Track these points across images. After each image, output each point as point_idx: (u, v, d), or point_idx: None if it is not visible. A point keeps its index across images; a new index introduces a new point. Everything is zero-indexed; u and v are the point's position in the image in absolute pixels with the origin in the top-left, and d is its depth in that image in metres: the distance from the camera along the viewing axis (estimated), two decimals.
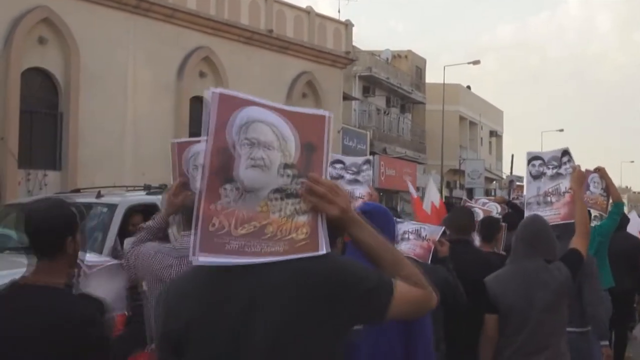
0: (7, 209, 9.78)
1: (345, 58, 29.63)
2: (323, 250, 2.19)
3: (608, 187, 6.51)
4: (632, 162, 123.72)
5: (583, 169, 5.67)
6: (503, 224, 6.32)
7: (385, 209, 3.74)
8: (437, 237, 4.99)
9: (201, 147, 2.30)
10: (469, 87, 56.51)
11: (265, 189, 2.20)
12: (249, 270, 2.14)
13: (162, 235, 4.40)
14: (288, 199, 2.23)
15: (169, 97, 22.66)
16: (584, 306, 5.35)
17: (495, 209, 8.48)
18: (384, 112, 43.06)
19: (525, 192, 6.39)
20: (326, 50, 28.47)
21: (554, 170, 5.83)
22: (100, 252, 7.02)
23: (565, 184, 5.70)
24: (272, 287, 2.14)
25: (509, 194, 47.12)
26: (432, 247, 4.94)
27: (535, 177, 5.95)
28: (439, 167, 43.49)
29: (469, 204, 9.08)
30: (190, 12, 23.16)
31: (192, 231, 2.14)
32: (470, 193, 44.01)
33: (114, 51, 21.05)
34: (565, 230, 5.26)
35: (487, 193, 50.64)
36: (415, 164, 43.58)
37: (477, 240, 6.12)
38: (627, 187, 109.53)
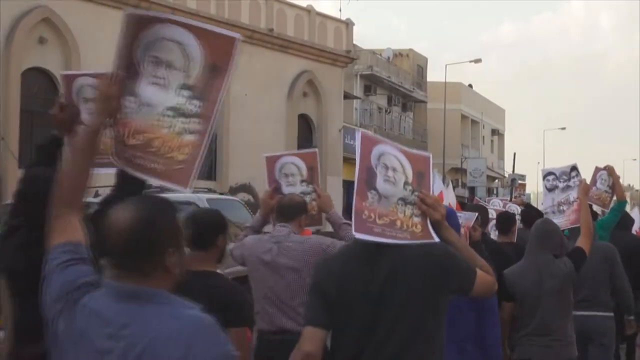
0: (4, 207, 9.78)
1: (346, 57, 29.62)
2: (436, 239, 3.10)
3: (614, 185, 7.15)
4: (635, 160, 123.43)
5: (587, 166, 6.55)
6: (518, 217, 7.43)
7: (452, 209, 4.61)
8: (471, 224, 5.59)
9: (289, 159, 3.79)
10: (470, 86, 56.48)
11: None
12: (388, 249, 3.04)
13: (261, 230, 5.24)
14: (409, 205, 3.13)
15: None
16: (613, 281, 6.33)
17: (516, 210, 9.69)
18: (385, 111, 43.05)
19: (544, 203, 7.38)
20: (327, 49, 28.47)
21: (564, 184, 6.89)
22: None
23: (573, 194, 6.68)
24: (406, 261, 3.06)
25: (510, 192, 47.18)
26: (467, 233, 5.49)
27: (550, 190, 7.03)
28: (441, 166, 43.48)
29: (481, 203, 10.13)
30: (190, 11, 23.13)
31: (353, 217, 3.01)
32: (472, 192, 44.02)
33: (114, 50, 21.01)
34: (572, 232, 6.30)
35: (489, 192, 50.64)
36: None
37: (492, 233, 7.20)
38: (629, 185, 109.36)
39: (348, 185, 28.95)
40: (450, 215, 3.77)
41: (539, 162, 67.68)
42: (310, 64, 27.83)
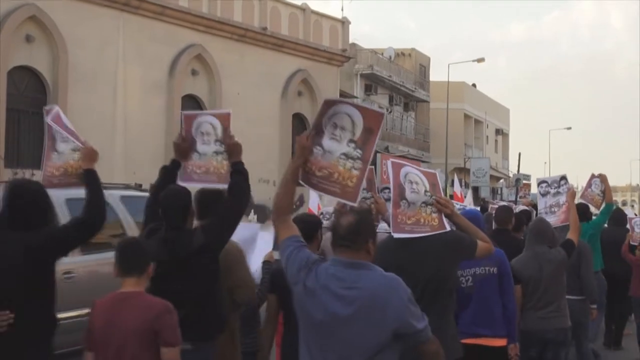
0: None
1: (342, 56, 29.40)
2: (448, 228, 4.73)
3: (605, 190, 9.11)
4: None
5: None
6: (530, 211, 8.71)
7: (475, 211, 6.90)
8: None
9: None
10: (474, 85, 56.16)
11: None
12: (414, 239, 4.68)
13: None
14: (429, 206, 4.70)
15: (160, 95, 22.49)
16: (581, 278, 7.74)
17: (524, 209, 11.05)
18: (387, 111, 42.80)
19: (538, 205, 8.82)
20: (322, 48, 28.24)
21: (555, 190, 8.27)
22: None
23: (562, 199, 8.07)
24: (432, 243, 4.69)
25: (516, 192, 46.88)
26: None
27: (543, 195, 8.44)
28: (444, 166, 43.21)
29: (492, 205, 12.18)
30: (181, 9, 22.99)
31: (390, 222, 4.75)
32: (475, 191, 43.71)
33: (103, 49, 20.89)
34: (563, 228, 7.63)
35: (493, 192, 50.31)
36: (418, 162, 43.27)
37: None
38: (638, 185, 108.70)
39: None
40: (476, 218, 5.79)
41: (545, 162, 67.35)
42: (305, 62, 27.62)
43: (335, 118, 3.95)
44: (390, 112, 43.16)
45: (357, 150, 3.94)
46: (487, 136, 57.39)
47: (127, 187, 10.20)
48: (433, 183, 4.77)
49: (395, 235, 4.63)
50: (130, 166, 21.42)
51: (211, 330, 4.71)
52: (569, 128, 64.66)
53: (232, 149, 5.02)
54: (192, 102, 23.96)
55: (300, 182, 3.96)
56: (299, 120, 28.01)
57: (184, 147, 5.16)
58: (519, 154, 55.17)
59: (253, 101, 25.24)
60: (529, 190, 50.76)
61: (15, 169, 18.78)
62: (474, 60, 44.17)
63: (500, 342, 5.78)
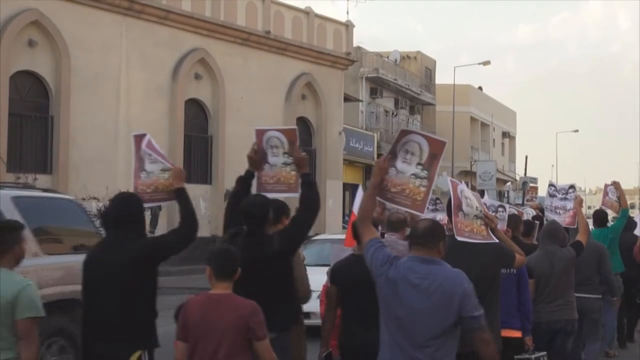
0: None
1: (346, 59, 29.32)
2: (494, 240, 5.62)
3: (620, 197, 10.29)
4: None
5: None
6: (536, 222, 9.13)
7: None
8: (504, 227, 7.67)
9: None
10: (480, 88, 56.05)
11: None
12: (468, 245, 5.48)
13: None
14: (479, 219, 5.58)
15: (163, 99, 22.48)
16: (601, 273, 8.73)
17: (531, 212, 12.18)
18: (392, 114, 42.72)
19: (545, 202, 9.83)
20: (326, 52, 28.18)
21: (563, 196, 9.14)
22: None
23: (569, 205, 9.02)
24: (480, 249, 5.58)
25: (523, 195, 46.75)
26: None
27: (551, 195, 9.31)
28: (450, 169, 43.10)
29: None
30: (184, 13, 22.97)
31: (454, 227, 5.44)
32: (482, 194, 43.51)
33: (106, 53, 20.89)
34: (575, 231, 8.47)
35: (500, 195, 50.15)
36: None
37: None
38: None
39: (352, 188, 28.69)
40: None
41: (552, 165, 67.10)
42: (308, 66, 27.55)
43: (407, 145, 4.92)
44: (396, 115, 43.09)
45: (423, 171, 4.87)
46: (494, 139, 57.26)
47: (24, 186, 9.24)
48: (480, 201, 5.95)
49: (459, 239, 5.45)
50: (132, 170, 21.38)
51: (288, 321, 5.52)
52: (576, 130, 64.13)
53: (299, 162, 5.72)
54: (195, 106, 23.94)
55: (377, 197, 4.97)
56: (302, 124, 27.93)
57: (256, 159, 5.81)
58: (526, 157, 54.82)
59: (256, 105, 25.19)
60: (536, 193, 50.77)
61: (17, 174, 18.78)
62: (479, 63, 44.08)
63: (516, 334, 6.65)
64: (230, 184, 24.61)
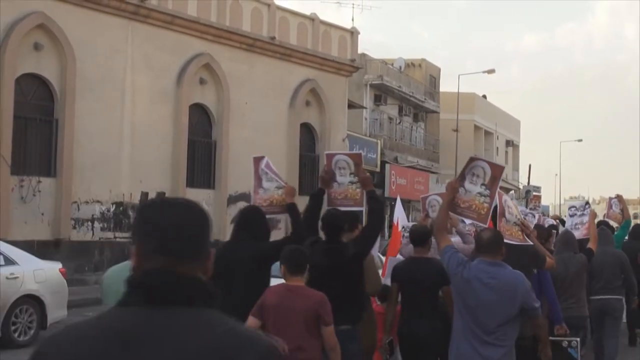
0: None
1: (350, 66, 29.36)
2: (530, 243, 6.77)
3: (623, 209, 11.53)
4: None
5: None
6: (553, 230, 10.26)
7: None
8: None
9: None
10: (484, 97, 56.05)
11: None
12: (509, 244, 6.29)
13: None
14: (517, 225, 6.71)
15: (167, 103, 22.52)
16: (624, 278, 9.83)
17: (551, 222, 13.27)
18: (396, 121, 42.74)
19: (566, 223, 11.00)
20: (330, 58, 28.22)
21: (580, 212, 10.47)
22: None
23: (585, 219, 10.27)
24: (518, 251, 6.55)
25: (526, 204, 46.66)
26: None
27: (571, 215, 10.70)
28: (453, 177, 43.05)
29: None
30: (190, 18, 23.02)
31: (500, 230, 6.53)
32: None
33: (111, 57, 20.95)
34: (583, 241, 9.64)
35: None
36: (427, 173, 43.18)
37: None
38: None
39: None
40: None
41: (556, 174, 67.11)
42: (313, 72, 27.60)
43: (474, 169, 6.13)
44: (400, 122, 43.09)
45: (486, 190, 6.11)
46: (497, 147, 57.22)
47: None
48: (519, 211, 7.27)
49: (505, 240, 6.19)
50: (136, 174, 21.46)
51: (359, 314, 6.39)
52: (580, 140, 64.14)
53: (364, 181, 6.79)
54: (199, 110, 23.99)
55: (450, 212, 6.23)
56: (306, 130, 27.99)
57: (327, 178, 6.85)
58: (529, 166, 54.80)
59: (261, 110, 25.25)
60: (539, 202, 50.50)
61: (21, 176, 18.84)
62: (484, 72, 44.07)
63: None
64: (233, 188, 24.84)
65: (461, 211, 6.18)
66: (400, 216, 11.16)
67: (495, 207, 6.50)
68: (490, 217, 6.22)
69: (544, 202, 53.77)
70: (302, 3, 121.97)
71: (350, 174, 6.80)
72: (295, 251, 5.55)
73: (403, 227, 9.76)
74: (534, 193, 50.62)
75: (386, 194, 34.64)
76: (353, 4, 37.76)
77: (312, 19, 27.87)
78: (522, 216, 8.44)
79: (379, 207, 6.64)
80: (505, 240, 6.06)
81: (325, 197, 6.90)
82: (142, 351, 1.85)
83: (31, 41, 19.16)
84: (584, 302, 8.73)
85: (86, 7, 20.29)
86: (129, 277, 1.98)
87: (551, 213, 37.52)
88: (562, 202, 72.83)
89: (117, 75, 21.11)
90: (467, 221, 7.12)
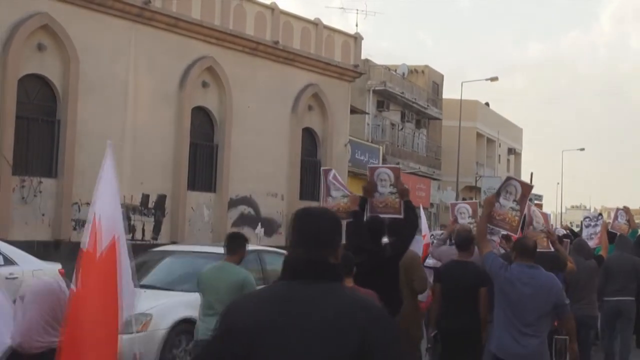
0: None
1: (354, 71, 29.34)
2: (552, 249, 8.27)
3: (629, 219, 12.33)
4: None
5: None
6: (565, 240, 10.78)
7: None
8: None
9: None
10: (487, 104, 56.05)
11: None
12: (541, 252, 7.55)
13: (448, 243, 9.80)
14: (542, 233, 8.32)
15: (170, 106, 22.51)
16: (637, 280, 10.51)
17: (562, 232, 14.13)
18: (398, 127, 42.74)
19: (582, 233, 12.05)
20: (333, 63, 28.21)
21: (594, 223, 11.75)
22: None
23: (598, 229, 11.46)
24: (544, 257, 7.34)
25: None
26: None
27: (586, 226, 11.93)
28: (455, 184, 43.07)
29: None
30: (194, 21, 23.03)
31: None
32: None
33: (114, 59, 20.95)
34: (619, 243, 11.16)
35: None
36: (429, 180, 43.18)
37: None
38: None
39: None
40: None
41: (558, 183, 67.09)
42: (316, 77, 27.59)
43: (507, 187, 7.36)
44: (402, 128, 43.11)
45: (517, 205, 7.31)
46: (499, 155, 57.22)
47: None
48: (546, 220, 8.74)
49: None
50: (137, 176, 21.44)
51: (397, 308, 7.07)
52: (582, 149, 64.17)
53: (402, 192, 7.75)
54: (202, 114, 23.99)
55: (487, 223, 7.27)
56: (308, 135, 27.96)
57: (370, 188, 7.80)
58: (531, 174, 54.53)
59: (263, 114, 25.24)
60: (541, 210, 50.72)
61: (22, 177, 18.83)
62: (487, 79, 44.14)
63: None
64: (234, 192, 24.81)
65: (496, 222, 7.37)
66: (423, 223, 12.46)
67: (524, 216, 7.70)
68: (519, 228, 7.50)
69: (545, 210, 53.73)
70: (306, 8, 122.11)
71: (390, 185, 7.71)
72: (344, 256, 6.07)
73: (432, 235, 11.49)
74: (536, 201, 50.78)
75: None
76: (357, 10, 37.93)
77: (316, 23, 27.87)
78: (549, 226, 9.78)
79: (414, 215, 7.72)
80: (540, 249, 7.33)
81: (368, 205, 7.83)
82: (296, 308, 2.75)
83: (35, 42, 19.17)
84: (594, 304, 9.73)
85: (90, 8, 20.29)
86: (285, 260, 2.93)
87: (551, 222, 38.00)
88: (564, 210, 72.86)
89: (120, 77, 21.12)
90: (502, 231, 8.37)
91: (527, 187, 7.47)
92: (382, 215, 7.68)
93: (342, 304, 2.76)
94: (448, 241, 9.82)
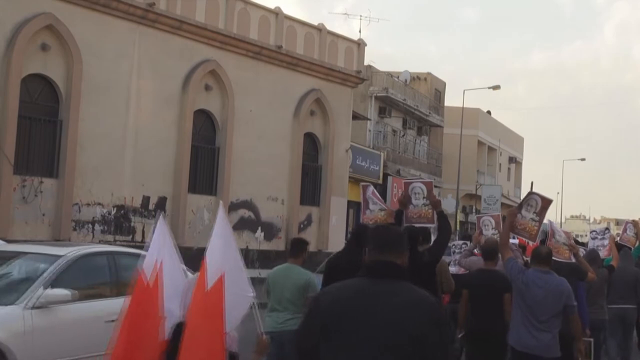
0: None
1: (356, 77, 29.36)
2: (574, 260, 9.11)
3: (637, 233, 12.97)
4: None
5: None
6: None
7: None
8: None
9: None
10: (489, 112, 56.07)
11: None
12: (557, 262, 8.57)
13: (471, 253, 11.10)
14: (565, 245, 9.09)
15: (172, 109, 22.52)
16: (638, 291, 11.58)
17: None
18: (400, 134, 42.75)
19: (589, 245, 12.71)
20: (336, 69, 28.23)
21: (601, 236, 12.54)
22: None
23: (606, 242, 12.26)
24: (565, 267, 8.74)
25: None
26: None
27: (593, 239, 12.71)
28: (455, 192, 43.06)
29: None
30: (198, 24, 23.05)
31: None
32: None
33: (118, 61, 20.97)
34: (623, 255, 11.96)
35: (504, 220, 49.98)
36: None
37: None
38: None
39: (356, 206, 28.64)
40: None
41: (558, 192, 67.17)
42: (318, 82, 27.61)
43: (529, 200, 8.35)
44: (403, 135, 43.12)
45: (536, 217, 8.27)
46: (500, 164, 57.22)
47: None
48: (569, 235, 9.56)
49: (554, 258, 8.19)
50: (138, 178, 21.46)
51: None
52: (583, 159, 64.29)
53: (435, 204, 8.35)
54: (204, 117, 24.00)
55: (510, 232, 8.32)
56: (310, 140, 27.97)
57: (405, 201, 8.50)
58: (532, 183, 54.56)
59: (265, 119, 25.26)
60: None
61: (24, 176, 18.84)
62: (489, 87, 44.11)
63: None
64: (235, 196, 24.80)
65: (518, 231, 8.38)
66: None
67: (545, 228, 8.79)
68: (538, 237, 8.59)
69: (544, 220, 53.64)
70: (309, 13, 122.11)
71: (423, 197, 8.41)
72: None
73: (454, 244, 12.33)
74: None
75: (388, 204, 34.53)
76: (361, 16, 37.92)
77: (320, 29, 27.89)
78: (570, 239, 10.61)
79: (447, 224, 8.35)
80: (556, 258, 8.42)
81: (404, 216, 8.52)
82: (368, 296, 3.61)
83: (39, 42, 19.20)
84: (604, 309, 10.79)
85: (95, 9, 20.33)
86: (364, 262, 3.76)
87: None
88: (564, 220, 72.77)
89: (123, 79, 21.14)
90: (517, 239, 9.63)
91: (546, 201, 8.34)
92: (417, 225, 8.36)
93: (404, 297, 3.60)
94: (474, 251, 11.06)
